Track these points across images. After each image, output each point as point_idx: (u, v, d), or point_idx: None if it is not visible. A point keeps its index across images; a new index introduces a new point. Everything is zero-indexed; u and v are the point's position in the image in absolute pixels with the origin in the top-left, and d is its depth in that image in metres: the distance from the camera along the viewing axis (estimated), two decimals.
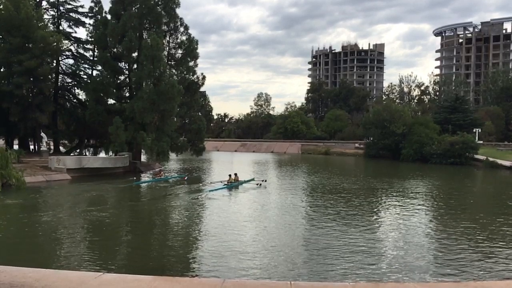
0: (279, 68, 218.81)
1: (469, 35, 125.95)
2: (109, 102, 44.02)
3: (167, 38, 44.02)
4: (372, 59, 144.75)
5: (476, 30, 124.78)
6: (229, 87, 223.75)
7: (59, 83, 46.33)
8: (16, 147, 41.86)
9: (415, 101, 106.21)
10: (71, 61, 47.68)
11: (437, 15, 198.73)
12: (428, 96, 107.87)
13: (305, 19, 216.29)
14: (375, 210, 23.22)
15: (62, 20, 46.91)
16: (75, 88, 48.54)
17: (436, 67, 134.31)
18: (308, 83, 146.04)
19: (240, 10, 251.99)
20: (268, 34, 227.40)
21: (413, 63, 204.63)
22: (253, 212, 21.73)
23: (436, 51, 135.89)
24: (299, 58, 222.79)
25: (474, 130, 66.26)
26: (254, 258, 13.75)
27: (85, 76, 47.56)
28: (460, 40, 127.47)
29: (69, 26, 47.11)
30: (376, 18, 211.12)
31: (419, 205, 24.12)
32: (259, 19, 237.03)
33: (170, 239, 16.64)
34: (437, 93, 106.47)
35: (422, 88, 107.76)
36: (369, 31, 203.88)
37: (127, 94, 44.51)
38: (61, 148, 48.45)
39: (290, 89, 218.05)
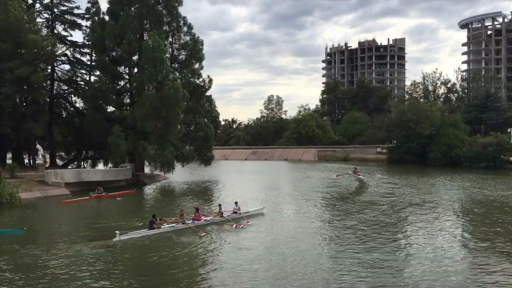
0: (283, 72, 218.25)
1: (498, 26, 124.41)
2: (108, 110, 44.08)
3: (170, 39, 43.97)
4: (392, 55, 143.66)
5: (506, 20, 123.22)
6: (231, 91, 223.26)
7: (54, 91, 46.43)
8: (9, 161, 41.87)
9: (441, 99, 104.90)
10: (67, 67, 47.75)
11: (458, 8, 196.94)
12: (456, 94, 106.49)
13: (310, 18, 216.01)
14: (396, 224, 22.56)
15: (57, 23, 46.86)
16: (72, 95, 48.56)
17: (463, 62, 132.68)
18: (323, 83, 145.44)
19: (238, 10, 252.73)
20: (265, 33, 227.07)
21: (434, 59, 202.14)
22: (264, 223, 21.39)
23: (463, 45, 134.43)
24: (306, 58, 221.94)
25: (509, 130, 65.05)
26: (257, 272, 13.50)
27: (82, 83, 47.68)
28: (489, 32, 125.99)
29: (65, 29, 46.94)
30: (381, 13, 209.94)
31: (448, 220, 23.35)
32: (257, 19, 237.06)
33: (170, 257, 16.33)
34: (465, 91, 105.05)
35: (449, 85, 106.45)
36: (384, 26, 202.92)
37: (128, 101, 44.53)
38: (57, 160, 48.55)
39: (298, 91, 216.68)
